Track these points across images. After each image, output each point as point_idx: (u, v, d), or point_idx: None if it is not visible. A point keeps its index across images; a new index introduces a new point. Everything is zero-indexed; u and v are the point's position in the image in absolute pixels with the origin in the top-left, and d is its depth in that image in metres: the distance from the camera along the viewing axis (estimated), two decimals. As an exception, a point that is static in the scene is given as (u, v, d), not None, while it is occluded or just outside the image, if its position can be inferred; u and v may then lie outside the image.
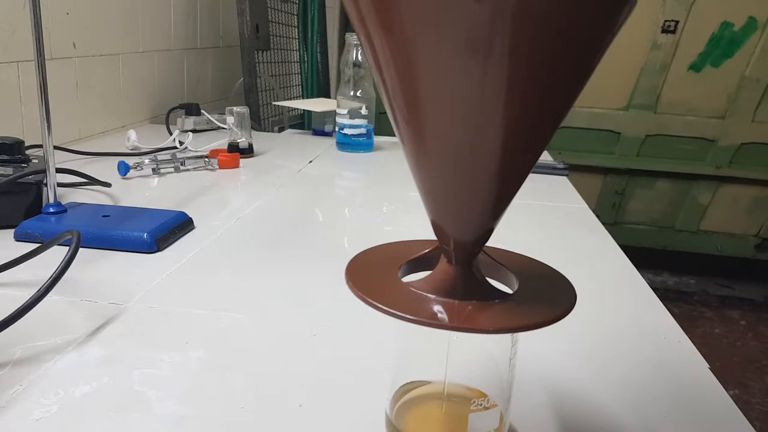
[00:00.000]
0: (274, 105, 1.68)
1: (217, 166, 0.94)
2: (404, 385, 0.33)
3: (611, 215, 2.51)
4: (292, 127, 1.75)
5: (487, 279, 0.29)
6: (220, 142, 1.11)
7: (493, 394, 0.31)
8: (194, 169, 0.93)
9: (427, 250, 0.31)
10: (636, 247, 2.42)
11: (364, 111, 1.10)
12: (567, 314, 0.26)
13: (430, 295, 0.27)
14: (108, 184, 0.80)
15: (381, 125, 1.22)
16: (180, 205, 0.74)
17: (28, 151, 0.72)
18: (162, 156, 0.93)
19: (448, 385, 0.32)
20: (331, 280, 0.54)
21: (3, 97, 0.90)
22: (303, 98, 1.90)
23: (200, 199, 0.78)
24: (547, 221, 0.76)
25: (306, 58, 1.90)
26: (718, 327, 2.19)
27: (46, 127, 0.60)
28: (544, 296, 0.28)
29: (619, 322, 0.49)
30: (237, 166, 0.96)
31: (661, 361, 0.44)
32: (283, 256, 0.61)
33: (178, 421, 0.34)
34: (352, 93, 1.09)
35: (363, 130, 1.12)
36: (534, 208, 0.81)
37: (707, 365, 0.43)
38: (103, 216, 0.63)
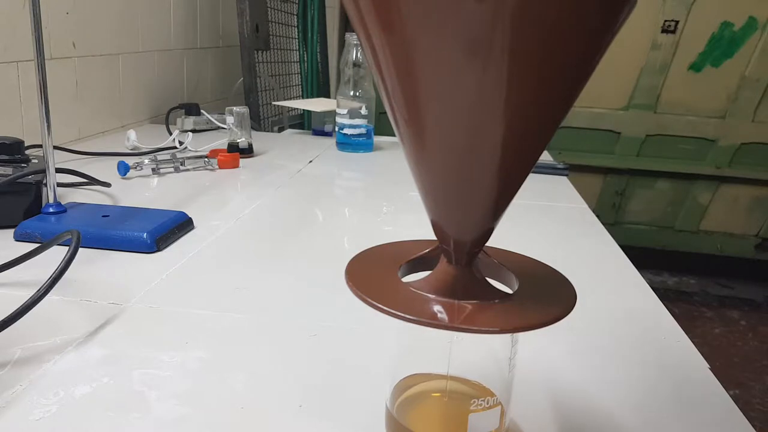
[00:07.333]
0: (274, 105, 1.68)
1: (217, 166, 0.94)
2: (405, 378, 0.33)
3: (611, 215, 2.51)
4: (292, 127, 1.75)
5: (487, 279, 0.29)
6: (220, 142, 1.11)
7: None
8: (194, 169, 0.93)
9: (427, 250, 0.31)
10: (636, 247, 2.42)
11: (364, 111, 1.10)
12: (567, 314, 0.26)
13: (430, 295, 0.27)
14: (108, 184, 0.80)
15: (381, 125, 1.22)
16: (180, 205, 0.74)
17: (28, 151, 0.72)
18: (162, 156, 0.93)
19: (449, 382, 0.32)
20: (331, 280, 0.54)
21: (3, 97, 0.90)
22: (303, 98, 1.90)
23: (200, 199, 0.78)
24: (547, 221, 0.76)
25: (306, 58, 1.90)
26: (718, 327, 2.19)
27: (45, 127, 0.60)
28: (544, 296, 0.28)
29: (619, 322, 0.49)
30: (237, 166, 0.96)
31: (661, 361, 0.44)
32: (282, 255, 0.61)
33: (178, 421, 0.34)
34: (352, 93, 1.09)
35: (363, 130, 1.12)
36: (534, 208, 0.81)
37: (707, 365, 0.43)
38: (103, 216, 0.63)
